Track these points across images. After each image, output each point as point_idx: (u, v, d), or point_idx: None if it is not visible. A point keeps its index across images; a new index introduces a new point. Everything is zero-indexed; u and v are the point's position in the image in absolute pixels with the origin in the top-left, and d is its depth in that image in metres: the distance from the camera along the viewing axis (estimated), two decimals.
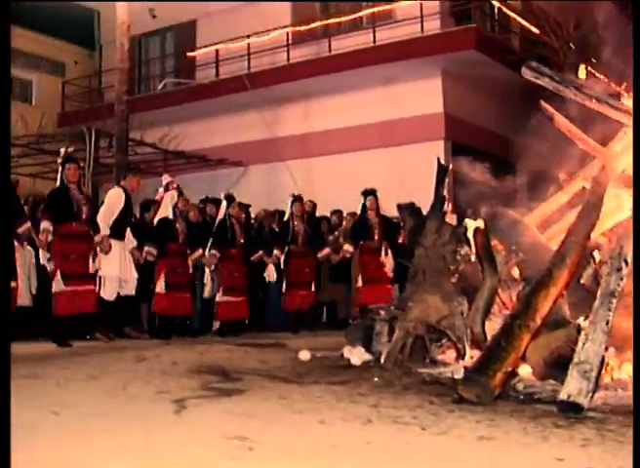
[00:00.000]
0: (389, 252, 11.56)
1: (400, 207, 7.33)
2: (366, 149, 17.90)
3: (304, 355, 6.75)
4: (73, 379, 5.34)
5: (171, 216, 10.15)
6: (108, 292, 9.36)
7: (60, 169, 8.90)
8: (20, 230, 8.06)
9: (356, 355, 6.41)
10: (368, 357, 6.40)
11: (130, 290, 9.64)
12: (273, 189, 17.52)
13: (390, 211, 12.07)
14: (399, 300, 6.72)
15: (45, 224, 8.46)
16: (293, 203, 11.66)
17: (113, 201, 9.62)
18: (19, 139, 16.17)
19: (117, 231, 9.42)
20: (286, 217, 11.84)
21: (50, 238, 8.50)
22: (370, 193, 11.67)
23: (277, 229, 12.22)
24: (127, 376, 5.49)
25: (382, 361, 6.06)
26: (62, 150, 9.11)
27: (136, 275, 9.69)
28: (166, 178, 10.81)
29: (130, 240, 9.75)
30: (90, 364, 6.47)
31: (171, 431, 3.61)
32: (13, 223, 7.89)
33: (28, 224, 8.27)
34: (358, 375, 5.59)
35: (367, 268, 11.54)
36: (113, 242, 9.26)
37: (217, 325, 11.01)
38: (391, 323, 6.54)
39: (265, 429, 3.66)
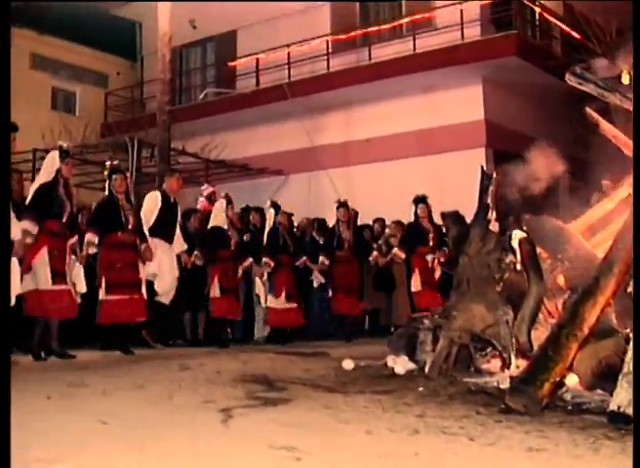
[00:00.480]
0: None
1: (444, 215, 7.27)
2: (406, 157, 17.88)
3: (348, 364, 6.72)
4: (120, 388, 5.37)
5: (222, 225, 10.29)
6: (161, 289, 9.47)
7: (107, 180, 8.98)
8: (70, 243, 8.14)
9: (400, 364, 6.37)
10: (412, 366, 6.36)
11: (167, 299, 9.66)
12: (314, 198, 17.58)
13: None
14: (443, 309, 6.68)
15: (89, 236, 8.56)
16: (338, 209, 11.72)
17: (147, 205, 9.76)
18: None
19: (159, 232, 9.49)
20: (332, 224, 11.90)
21: (92, 250, 8.59)
22: (421, 200, 11.70)
23: (317, 237, 12.27)
24: (172, 385, 5.51)
25: (427, 370, 6.02)
26: (108, 163, 9.20)
27: (175, 282, 9.71)
28: (207, 189, 10.89)
29: (180, 243, 9.83)
30: (135, 372, 6.52)
31: (218, 441, 3.61)
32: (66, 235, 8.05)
33: (75, 238, 8.32)
34: (403, 385, 5.55)
35: (423, 272, 11.57)
36: (156, 241, 9.32)
37: (266, 332, 11.14)
38: (435, 331, 6.50)
39: (312, 439, 3.65)
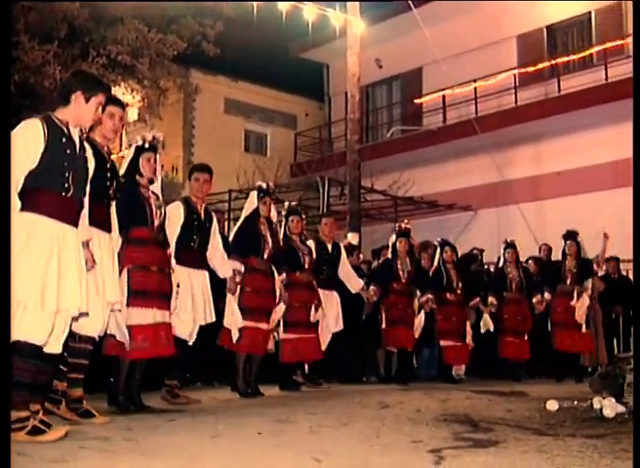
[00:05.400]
0: (584, 296, 11.14)
1: None
2: (600, 190, 17.35)
3: (552, 405, 6.53)
4: (324, 425, 5.41)
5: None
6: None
7: (283, 221, 9.07)
8: (279, 279, 8.37)
9: (608, 406, 6.12)
10: (621, 409, 6.09)
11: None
12: (504, 233, 17.21)
13: (628, 255, 11.61)
14: None
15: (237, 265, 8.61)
16: (506, 249, 11.48)
17: None
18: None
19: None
20: (500, 264, 11.62)
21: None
22: (569, 237, 11.37)
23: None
24: (376, 423, 5.52)
25: None
26: (286, 203, 9.38)
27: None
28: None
29: (356, 281, 9.87)
30: (336, 409, 6.59)
31: None
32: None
33: (283, 276, 8.50)
34: (614, 429, 5.30)
35: (555, 312, 11.32)
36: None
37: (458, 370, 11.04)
38: None
39: None
